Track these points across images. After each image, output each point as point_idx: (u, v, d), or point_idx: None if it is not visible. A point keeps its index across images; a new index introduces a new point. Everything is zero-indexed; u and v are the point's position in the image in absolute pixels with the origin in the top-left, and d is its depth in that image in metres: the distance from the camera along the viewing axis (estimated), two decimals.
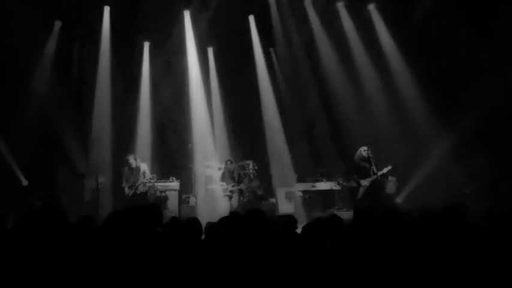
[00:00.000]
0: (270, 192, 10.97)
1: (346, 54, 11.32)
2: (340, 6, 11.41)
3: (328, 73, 11.60)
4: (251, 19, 11.98)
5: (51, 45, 10.85)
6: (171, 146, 11.80)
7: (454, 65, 9.20)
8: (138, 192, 9.33)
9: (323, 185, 10.37)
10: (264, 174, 11.05)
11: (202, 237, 3.47)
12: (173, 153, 11.72)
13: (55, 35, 10.89)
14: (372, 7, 11.16)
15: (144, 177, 9.36)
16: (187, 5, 11.63)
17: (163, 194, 10.08)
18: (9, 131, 10.06)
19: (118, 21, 11.33)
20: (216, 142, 11.67)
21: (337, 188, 10.10)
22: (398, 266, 2.51)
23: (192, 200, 10.57)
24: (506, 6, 8.85)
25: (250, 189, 10.15)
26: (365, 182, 8.87)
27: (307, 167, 11.41)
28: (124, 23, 11.45)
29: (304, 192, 10.31)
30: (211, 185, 10.54)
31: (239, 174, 10.18)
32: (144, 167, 9.56)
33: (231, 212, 5.84)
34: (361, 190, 8.92)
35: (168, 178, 10.47)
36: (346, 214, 9.32)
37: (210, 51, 12.37)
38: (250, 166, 10.53)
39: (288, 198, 10.58)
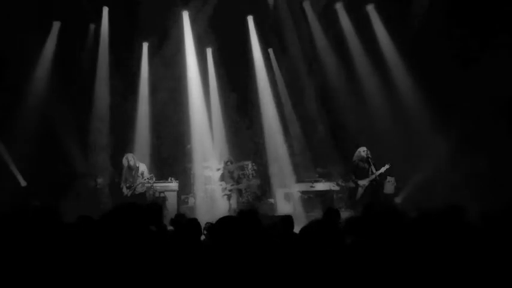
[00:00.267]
0: (269, 192, 10.96)
1: (345, 55, 11.34)
2: (339, 7, 11.42)
3: (327, 73, 11.62)
4: (250, 20, 11.99)
5: (50, 46, 10.85)
6: (169, 146, 11.79)
7: (453, 65, 9.22)
8: (136, 192, 9.31)
9: (322, 186, 10.36)
10: (263, 174, 11.06)
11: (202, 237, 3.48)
12: (172, 154, 11.70)
13: (54, 35, 10.88)
14: (370, 8, 11.17)
15: (143, 178, 9.33)
16: (186, 6, 11.63)
17: (162, 194, 10.07)
18: (8, 132, 10.06)
19: (117, 22, 11.34)
20: (215, 143, 11.67)
21: (336, 188, 10.11)
22: (396, 266, 2.51)
23: (191, 200, 10.57)
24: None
25: (249, 190, 10.15)
26: (364, 182, 8.89)
27: (306, 167, 11.41)
28: (123, 24, 11.46)
29: (303, 192, 10.31)
30: (210, 186, 10.53)
31: (238, 175, 10.19)
32: (143, 167, 9.54)
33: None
34: (360, 190, 8.94)
35: (167, 179, 10.46)
36: (345, 214, 9.35)
37: (209, 52, 12.36)
38: (249, 167, 10.54)
39: (286, 198, 10.57)
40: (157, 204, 4.71)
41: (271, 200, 10.67)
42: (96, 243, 2.72)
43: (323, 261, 2.49)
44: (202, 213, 9.61)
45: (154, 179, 9.61)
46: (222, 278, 2.42)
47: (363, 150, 9.00)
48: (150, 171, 9.74)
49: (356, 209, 8.97)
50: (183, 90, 11.77)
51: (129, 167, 9.33)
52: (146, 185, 9.44)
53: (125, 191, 9.35)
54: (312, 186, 10.31)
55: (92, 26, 11.30)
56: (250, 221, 2.59)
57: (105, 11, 11.23)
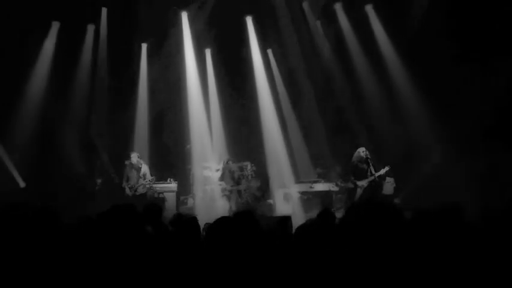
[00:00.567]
0: (268, 193, 10.95)
1: (344, 55, 11.34)
2: (338, 7, 11.43)
3: (326, 74, 11.63)
4: (248, 20, 11.99)
5: (49, 46, 10.84)
6: (168, 147, 11.78)
7: (453, 65, 9.22)
8: (137, 193, 9.36)
9: (321, 186, 10.35)
10: (262, 175, 11.05)
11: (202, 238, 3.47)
12: (171, 155, 11.70)
13: (53, 35, 10.87)
14: (369, 8, 11.18)
15: (145, 179, 9.39)
16: (185, 6, 11.63)
17: (161, 195, 10.06)
18: (6, 133, 10.05)
19: (116, 23, 11.34)
20: (214, 143, 11.67)
21: (335, 189, 10.10)
22: (393, 266, 2.51)
23: (190, 201, 10.56)
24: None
25: (248, 191, 10.14)
26: (362, 183, 8.89)
27: (305, 168, 11.41)
28: (122, 25, 11.46)
29: (302, 193, 10.29)
30: (210, 186, 10.52)
31: (238, 175, 10.17)
32: (145, 168, 9.58)
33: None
34: (359, 191, 8.94)
35: (166, 179, 10.45)
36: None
37: (208, 52, 12.36)
38: (248, 167, 10.53)
39: (286, 199, 10.56)
40: (157, 205, 4.70)
41: (270, 201, 10.66)
42: (93, 243, 2.72)
43: (319, 260, 2.49)
44: (201, 213, 9.59)
45: (154, 180, 9.65)
46: (219, 278, 2.42)
47: (362, 151, 9.01)
48: (150, 172, 9.76)
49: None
50: (182, 90, 11.77)
51: (133, 166, 9.37)
52: (146, 186, 9.47)
53: (127, 190, 9.36)
54: (311, 187, 10.30)
55: (91, 27, 11.28)
56: (247, 222, 2.59)
57: (104, 11, 11.22)
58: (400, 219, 3.12)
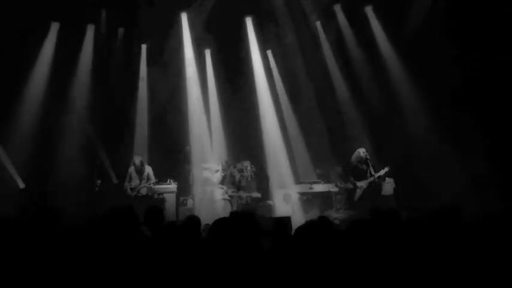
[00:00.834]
0: (267, 194, 10.95)
1: (343, 56, 11.35)
2: (338, 8, 11.44)
3: (326, 74, 11.63)
4: (248, 21, 11.99)
5: (49, 47, 10.84)
6: (168, 148, 11.78)
7: (453, 66, 9.23)
8: (139, 194, 9.38)
9: (321, 187, 10.34)
10: (262, 176, 11.04)
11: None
12: (171, 156, 11.69)
13: (53, 36, 10.87)
14: (368, 9, 11.19)
15: (148, 180, 9.42)
16: (184, 7, 11.64)
17: (160, 196, 10.06)
18: (6, 134, 10.05)
19: (115, 24, 11.35)
20: (214, 144, 11.67)
21: (335, 189, 10.10)
22: (392, 268, 2.51)
23: (189, 202, 10.54)
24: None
25: (248, 191, 10.14)
26: (362, 184, 8.90)
27: (305, 169, 11.41)
28: (121, 26, 11.48)
29: (301, 194, 10.29)
30: (209, 187, 10.52)
31: (239, 179, 10.13)
32: (149, 169, 9.60)
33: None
34: (358, 192, 8.96)
35: (166, 180, 10.44)
36: (344, 215, 9.37)
37: (208, 53, 12.36)
38: (248, 168, 10.52)
39: (285, 200, 10.56)
40: (158, 208, 4.69)
41: (270, 202, 10.65)
42: (92, 245, 2.72)
43: (319, 261, 2.49)
44: (201, 214, 9.56)
45: (157, 182, 9.70)
46: (218, 278, 2.42)
47: (361, 152, 9.03)
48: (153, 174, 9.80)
49: (354, 210, 8.99)
50: (182, 91, 11.78)
51: (136, 169, 9.41)
52: (146, 185, 9.50)
53: (128, 191, 9.37)
54: (310, 188, 10.30)
55: (91, 27, 11.28)
56: (246, 223, 2.59)
57: (104, 13, 11.22)
58: (398, 222, 3.13)
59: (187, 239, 3.35)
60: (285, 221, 4.75)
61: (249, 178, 10.39)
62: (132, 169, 9.52)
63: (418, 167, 9.89)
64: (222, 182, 10.18)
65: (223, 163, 10.45)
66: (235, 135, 11.80)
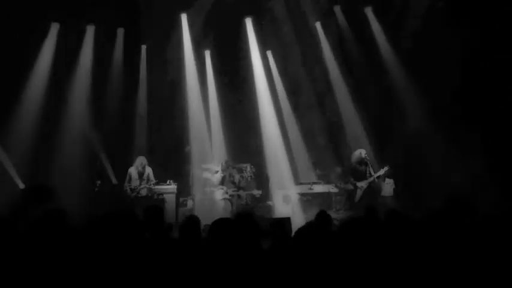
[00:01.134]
0: (267, 194, 10.95)
1: (343, 56, 11.36)
2: (338, 9, 11.45)
3: (325, 75, 11.64)
4: (248, 21, 12.00)
5: (49, 48, 10.84)
6: (168, 148, 11.77)
7: (453, 66, 9.24)
8: (139, 195, 9.38)
9: (321, 188, 10.34)
10: (262, 177, 11.04)
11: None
12: (170, 156, 11.69)
13: (53, 37, 10.87)
14: (368, 9, 11.20)
15: (148, 181, 9.41)
16: (184, 8, 11.64)
17: (160, 197, 10.06)
18: (6, 134, 10.05)
19: (115, 24, 11.35)
20: (214, 145, 11.67)
21: (335, 190, 10.10)
22: (393, 268, 2.51)
23: (189, 203, 10.53)
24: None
25: (248, 192, 10.14)
26: (362, 184, 8.91)
27: (304, 169, 11.40)
28: (121, 26, 11.48)
29: (301, 194, 10.28)
30: (209, 188, 10.51)
31: (239, 179, 10.14)
32: (149, 170, 9.59)
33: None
34: (359, 192, 8.96)
35: (166, 181, 10.44)
36: (343, 216, 9.35)
37: (207, 54, 12.37)
38: (248, 169, 10.53)
39: (285, 200, 10.55)
40: (158, 207, 4.67)
41: (270, 202, 10.65)
42: (90, 245, 2.73)
43: (319, 262, 2.49)
44: (201, 215, 9.55)
45: (157, 183, 9.70)
46: (218, 278, 2.42)
47: (360, 152, 9.04)
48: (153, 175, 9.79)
49: (355, 211, 8.99)
50: (181, 92, 11.78)
51: (137, 170, 9.41)
52: (146, 186, 9.49)
53: (128, 191, 9.36)
54: (310, 189, 10.29)
55: (91, 28, 11.28)
56: (245, 223, 2.60)
57: (104, 13, 11.22)
58: (399, 222, 3.13)
59: (187, 239, 3.35)
60: (285, 221, 4.74)
61: (249, 179, 10.39)
62: (132, 169, 9.52)
63: (418, 167, 9.90)
64: (222, 182, 10.17)
65: (223, 163, 10.44)
66: (235, 136, 11.80)
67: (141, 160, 9.56)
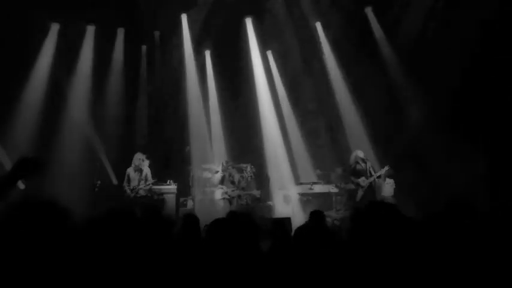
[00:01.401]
0: (268, 194, 10.94)
1: (343, 56, 11.35)
2: (338, 8, 11.44)
3: (325, 75, 11.64)
4: (248, 21, 12.00)
5: (49, 47, 10.84)
6: (168, 148, 11.77)
7: (452, 65, 9.23)
8: (138, 195, 9.36)
9: (321, 188, 10.33)
10: (262, 176, 11.04)
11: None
12: (171, 156, 11.69)
13: (53, 37, 10.87)
14: (368, 9, 11.20)
15: (146, 181, 9.39)
16: (184, 8, 11.64)
17: (160, 197, 10.04)
18: (6, 134, 10.06)
19: (115, 25, 11.36)
20: (214, 145, 11.67)
21: (335, 190, 10.09)
22: (393, 269, 2.50)
23: (189, 203, 10.52)
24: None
25: (248, 192, 10.13)
26: (363, 184, 8.90)
27: (305, 169, 11.40)
28: (121, 26, 11.48)
29: (302, 194, 10.27)
30: (209, 188, 10.51)
31: (239, 179, 10.12)
32: (147, 170, 9.57)
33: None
34: (360, 192, 8.95)
35: (166, 181, 10.43)
36: (344, 216, 9.35)
37: (207, 54, 12.37)
38: (248, 169, 10.52)
39: (285, 201, 10.55)
40: (156, 207, 4.68)
41: (270, 202, 10.65)
42: (90, 245, 2.72)
43: (319, 262, 2.49)
44: (201, 215, 9.55)
45: (155, 182, 9.67)
46: (217, 279, 2.41)
47: (358, 153, 9.07)
48: (151, 174, 9.76)
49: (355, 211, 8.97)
50: (182, 92, 11.78)
51: (135, 168, 9.38)
52: (145, 187, 9.47)
53: (128, 191, 9.36)
54: (310, 189, 10.28)
55: (91, 28, 11.29)
56: (244, 223, 2.59)
57: (104, 13, 11.23)
58: (399, 221, 3.11)
59: (185, 238, 3.34)
60: (285, 221, 4.74)
61: (249, 179, 10.38)
62: (130, 170, 9.49)
63: (418, 167, 9.89)
64: (222, 182, 10.16)
65: (223, 163, 10.44)
66: (235, 136, 11.81)
67: (138, 156, 9.50)
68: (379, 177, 8.92)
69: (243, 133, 11.86)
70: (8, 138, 10.13)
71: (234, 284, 2.38)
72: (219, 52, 12.12)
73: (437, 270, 2.56)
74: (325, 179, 10.63)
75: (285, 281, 2.47)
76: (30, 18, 9.82)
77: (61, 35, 10.89)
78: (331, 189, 10.15)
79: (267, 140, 11.69)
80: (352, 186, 9.10)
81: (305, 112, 12.03)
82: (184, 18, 11.80)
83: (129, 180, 9.45)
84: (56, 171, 10.36)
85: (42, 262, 2.67)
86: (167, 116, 11.88)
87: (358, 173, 9.00)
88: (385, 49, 11.00)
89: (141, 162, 9.47)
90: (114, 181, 10.85)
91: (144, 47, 12.01)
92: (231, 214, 3.22)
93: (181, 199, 10.56)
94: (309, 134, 11.83)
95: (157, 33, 11.95)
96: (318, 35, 11.76)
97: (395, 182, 9.69)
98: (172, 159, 11.59)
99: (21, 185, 10.06)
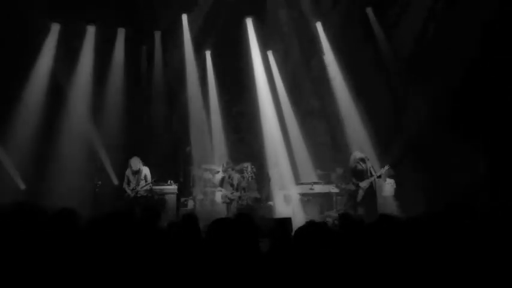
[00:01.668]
0: (268, 195, 10.93)
1: (344, 56, 11.35)
2: (338, 9, 11.45)
3: (326, 75, 11.63)
4: (248, 22, 12.00)
5: (49, 47, 10.85)
6: (169, 149, 11.77)
7: (452, 66, 9.23)
8: (138, 195, 9.37)
9: (321, 188, 10.32)
10: (263, 177, 11.04)
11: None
12: (171, 157, 11.69)
13: (53, 37, 10.88)
14: (369, 10, 11.21)
15: (146, 181, 9.41)
16: (185, 8, 11.65)
17: (161, 197, 10.04)
18: (7, 134, 10.07)
19: (115, 25, 11.37)
20: (214, 145, 11.68)
21: (336, 190, 10.09)
22: (393, 269, 2.51)
23: (190, 203, 10.52)
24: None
25: (248, 192, 10.12)
26: (364, 184, 8.91)
27: (305, 169, 11.40)
28: (121, 27, 11.48)
29: (302, 195, 10.27)
30: (210, 188, 10.50)
31: (238, 180, 10.06)
32: (146, 170, 9.58)
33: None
34: (361, 192, 8.96)
35: (166, 181, 10.43)
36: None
37: (208, 54, 12.37)
38: (249, 169, 10.51)
39: (286, 201, 10.55)
40: (155, 209, 4.68)
41: (271, 203, 10.65)
42: (90, 245, 2.73)
43: (319, 261, 2.49)
44: (201, 216, 9.56)
45: (155, 182, 9.68)
46: (214, 278, 2.42)
47: (358, 153, 9.08)
48: (151, 174, 9.76)
49: (357, 211, 8.98)
50: (182, 92, 11.78)
51: (134, 170, 9.40)
52: (145, 187, 9.48)
53: (128, 191, 9.36)
54: (311, 189, 10.28)
55: (92, 28, 11.30)
56: (243, 224, 2.60)
57: (105, 13, 11.23)
58: (399, 224, 3.12)
59: (184, 238, 3.35)
60: (286, 222, 4.74)
61: (250, 179, 10.38)
62: (128, 171, 9.50)
63: (418, 167, 9.90)
64: (221, 184, 10.13)
65: (224, 164, 10.43)
66: (236, 136, 11.81)
67: (134, 161, 9.50)
68: (379, 177, 8.93)
69: (244, 133, 11.85)
70: (8, 138, 10.14)
71: (233, 284, 2.39)
72: (220, 52, 12.12)
73: (437, 269, 2.57)
74: (326, 179, 10.61)
75: (285, 280, 2.47)
76: (30, 18, 9.82)
77: (61, 35, 10.89)
78: (332, 189, 10.15)
79: (268, 140, 11.68)
80: (353, 187, 9.11)
81: (305, 112, 12.02)
82: (184, 18, 11.80)
83: (128, 182, 9.46)
84: (56, 172, 10.39)
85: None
86: (168, 116, 11.87)
87: (359, 174, 9.00)
88: (386, 49, 10.99)
89: (140, 165, 9.48)
90: (115, 181, 10.85)
91: (144, 47, 12.01)
92: (234, 216, 3.23)
93: (182, 199, 10.56)
94: (310, 134, 11.82)
95: (157, 33, 11.94)
96: (318, 35, 11.76)
97: (395, 182, 9.71)
98: (173, 160, 11.58)
99: (21, 184, 10.10)
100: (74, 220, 3.31)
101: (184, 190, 10.84)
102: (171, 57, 11.93)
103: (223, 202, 9.81)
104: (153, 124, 11.77)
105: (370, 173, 8.88)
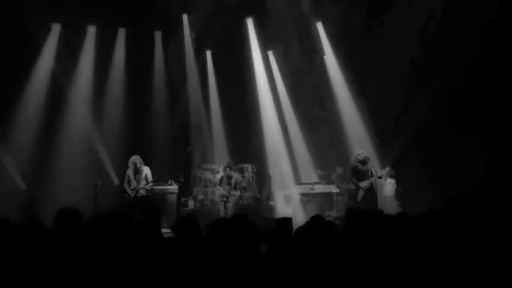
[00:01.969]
0: (269, 194, 10.93)
1: (344, 56, 11.34)
2: (338, 8, 11.44)
3: (326, 75, 11.63)
4: (249, 21, 12.00)
5: (50, 48, 10.86)
6: (169, 149, 11.77)
7: (453, 66, 9.24)
8: (138, 195, 9.37)
9: (322, 188, 10.33)
10: (263, 176, 11.04)
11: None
12: (172, 156, 11.69)
13: (54, 37, 10.89)
14: (368, 10, 11.18)
15: (146, 181, 9.40)
16: (185, 9, 11.65)
17: (161, 197, 10.04)
18: (7, 135, 10.08)
19: (115, 25, 11.37)
20: (215, 145, 11.68)
21: (336, 190, 10.09)
22: (393, 268, 2.51)
23: (190, 203, 10.52)
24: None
25: (249, 192, 10.12)
26: (364, 184, 8.92)
27: (306, 169, 11.39)
28: (121, 27, 11.48)
29: (303, 194, 10.27)
30: (210, 188, 10.50)
31: (236, 180, 10.05)
32: (147, 170, 9.57)
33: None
34: (361, 192, 8.97)
35: (167, 181, 10.43)
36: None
37: (208, 54, 12.37)
38: (249, 169, 10.52)
39: (286, 201, 10.55)
40: (155, 209, 4.67)
41: (271, 202, 10.65)
42: (90, 245, 2.74)
43: (319, 261, 2.49)
44: (202, 216, 9.58)
45: (156, 181, 9.68)
46: (216, 279, 2.42)
47: (359, 153, 9.08)
48: (152, 174, 9.75)
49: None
50: (183, 92, 11.78)
51: (134, 170, 9.37)
52: (146, 187, 9.47)
53: (128, 191, 9.36)
54: (311, 189, 10.28)
55: (92, 28, 11.30)
56: (241, 224, 2.60)
57: (105, 13, 11.24)
58: (398, 223, 3.13)
59: (184, 239, 3.35)
60: (286, 222, 4.73)
61: (250, 179, 10.38)
62: (129, 171, 9.48)
63: (418, 167, 9.90)
64: (220, 183, 10.14)
65: (224, 164, 10.43)
66: (236, 136, 11.80)
67: (133, 159, 9.48)
68: (380, 177, 8.93)
69: (244, 133, 11.85)
70: (8, 138, 10.15)
71: (233, 284, 2.39)
72: (220, 52, 12.11)
73: (437, 269, 2.57)
74: (326, 179, 10.61)
75: (285, 280, 2.47)
76: (31, 18, 9.82)
77: (62, 35, 10.89)
78: (332, 189, 10.15)
79: (268, 140, 11.68)
80: (353, 187, 9.11)
81: (306, 112, 12.01)
82: (185, 18, 11.80)
83: (129, 181, 9.44)
84: (56, 172, 10.40)
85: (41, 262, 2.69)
86: (168, 116, 11.87)
87: (359, 174, 9.01)
88: (386, 49, 10.97)
89: (140, 165, 9.45)
90: (115, 181, 10.85)
91: (144, 48, 12.00)
92: (233, 216, 3.24)
93: (183, 199, 10.55)
94: (310, 134, 11.81)
95: (158, 33, 11.94)
96: (318, 34, 11.75)
97: (396, 182, 9.72)
98: (174, 160, 11.58)
99: (22, 185, 10.11)
100: (76, 219, 3.31)
101: (185, 190, 10.83)
102: (171, 57, 11.93)
103: (221, 201, 9.81)
104: (153, 124, 11.75)
105: (371, 173, 8.88)
